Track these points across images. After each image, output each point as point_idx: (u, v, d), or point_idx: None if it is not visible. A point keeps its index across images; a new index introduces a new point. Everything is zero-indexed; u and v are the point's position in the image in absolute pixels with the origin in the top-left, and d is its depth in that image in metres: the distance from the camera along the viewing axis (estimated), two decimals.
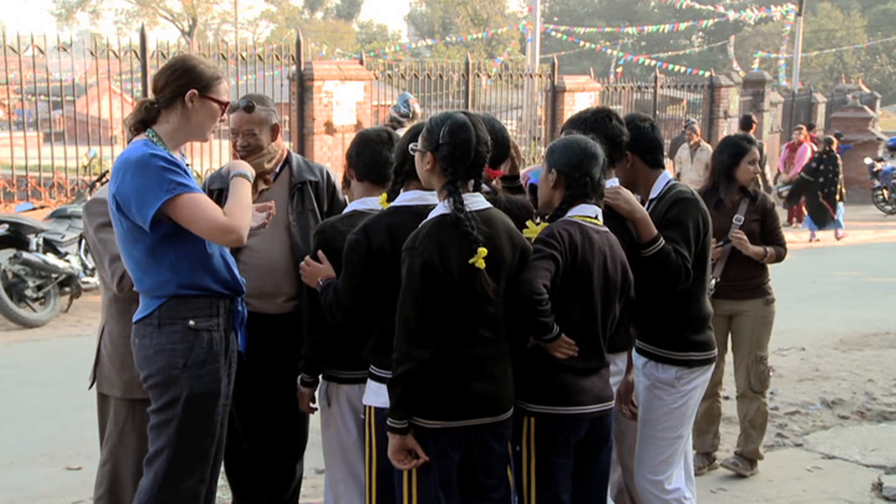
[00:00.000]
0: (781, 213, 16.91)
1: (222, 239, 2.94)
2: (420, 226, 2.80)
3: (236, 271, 3.16)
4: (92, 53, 10.74)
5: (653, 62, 24.93)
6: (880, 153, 20.40)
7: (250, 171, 3.17)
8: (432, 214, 2.81)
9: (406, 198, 3.01)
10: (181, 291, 2.97)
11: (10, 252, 7.98)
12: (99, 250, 3.34)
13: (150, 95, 3.09)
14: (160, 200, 2.84)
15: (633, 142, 3.47)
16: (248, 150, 3.68)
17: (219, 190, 3.73)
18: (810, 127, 19.45)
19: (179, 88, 3.00)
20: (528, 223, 3.04)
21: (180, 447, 2.98)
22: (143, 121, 3.04)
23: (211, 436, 3.06)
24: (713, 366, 3.65)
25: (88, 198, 6.41)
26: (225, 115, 3.13)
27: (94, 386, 3.50)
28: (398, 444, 2.78)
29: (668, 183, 3.54)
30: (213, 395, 3.03)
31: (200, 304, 3.01)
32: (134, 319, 3.05)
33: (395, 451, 2.79)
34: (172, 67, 3.05)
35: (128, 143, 3.09)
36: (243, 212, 2.98)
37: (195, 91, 3.01)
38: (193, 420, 2.99)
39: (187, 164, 3.17)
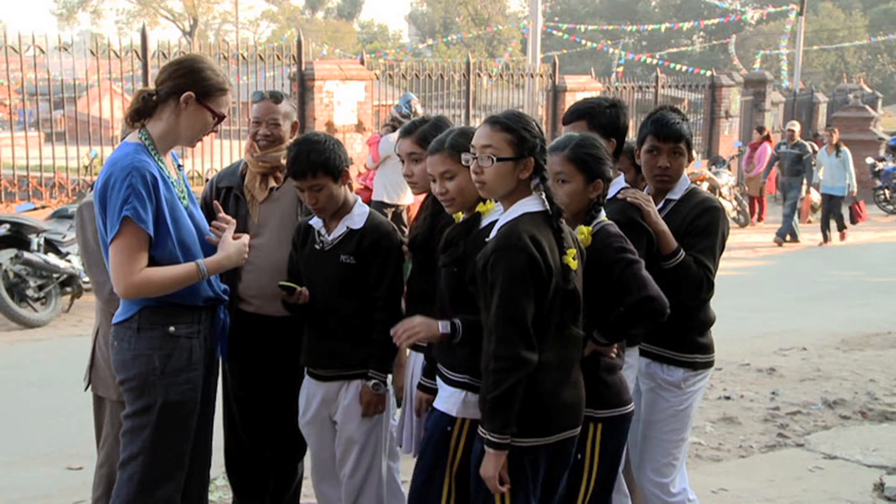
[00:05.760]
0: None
1: (116, 287, 2.84)
2: (509, 224, 2.63)
3: (216, 282, 3.08)
4: (93, 53, 10.75)
5: (654, 61, 24.93)
6: (882, 153, 20.42)
7: (237, 260, 3.06)
8: (516, 213, 2.65)
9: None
10: (152, 303, 2.90)
11: (12, 252, 7.98)
12: (88, 256, 3.32)
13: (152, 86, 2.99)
14: (112, 233, 2.79)
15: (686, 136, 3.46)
16: (270, 140, 3.60)
17: (227, 188, 3.72)
18: (810, 126, 19.51)
19: (178, 87, 2.90)
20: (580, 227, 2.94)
21: (156, 454, 2.93)
22: (139, 111, 2.93)
23: (187, 443, 3.00)
24: (712, 369, 3.64)
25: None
26: (219, 122, 3.00)
27: (90, 388, 3.50)
28: (499, 462, 2.55)
29: (688, 186, 3.48)
30: (190, 404, 2.97)
31: (181, 310, 2.94)
32: (113, 322, 3.00)
33: (495, 472, 2.55)
34: (179, 64, 2.95)
35: (122, 136, 3.00)
36: (160, 285, 2.84)
37: (192, 94, 2.90)
38: (168, 427, 2.93)
39: (180, 165, 3.12)
